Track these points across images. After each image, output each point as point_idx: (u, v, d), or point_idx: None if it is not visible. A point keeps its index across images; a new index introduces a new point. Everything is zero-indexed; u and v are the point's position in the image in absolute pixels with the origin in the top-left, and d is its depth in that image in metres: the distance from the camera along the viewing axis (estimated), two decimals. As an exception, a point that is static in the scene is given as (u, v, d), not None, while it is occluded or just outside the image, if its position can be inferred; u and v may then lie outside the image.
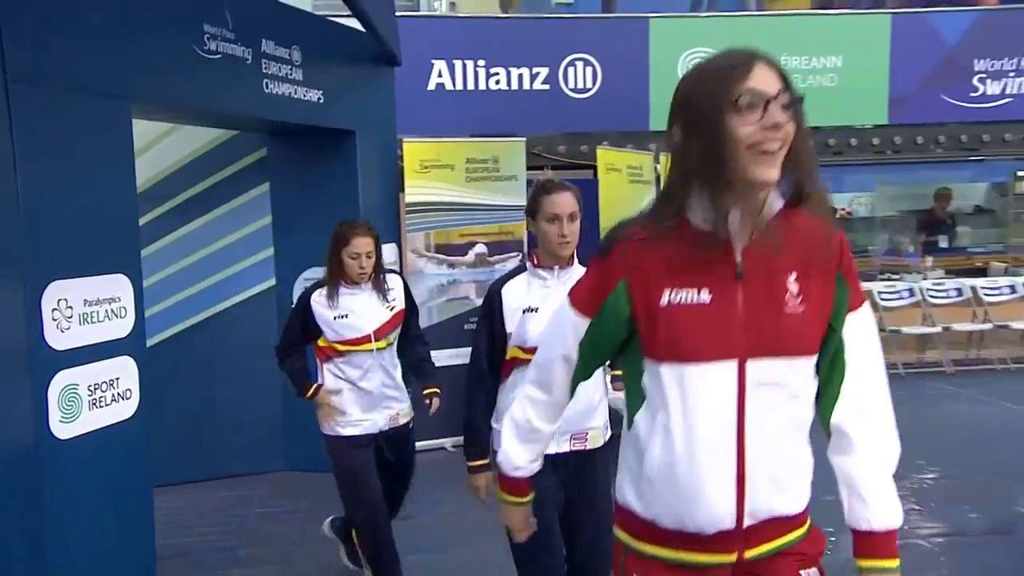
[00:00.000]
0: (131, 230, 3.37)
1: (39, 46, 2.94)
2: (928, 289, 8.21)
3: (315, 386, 3.47)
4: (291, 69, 4.42)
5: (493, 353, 2.59)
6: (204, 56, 3.78)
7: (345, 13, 5.05)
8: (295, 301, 3.54)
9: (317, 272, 5.23)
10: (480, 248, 5.68)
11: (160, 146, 5.03)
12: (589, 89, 7.60)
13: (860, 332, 1.49)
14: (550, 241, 2.55)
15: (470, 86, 7.32)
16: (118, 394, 3.25)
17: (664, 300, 1.44)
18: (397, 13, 5.73)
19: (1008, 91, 8.03)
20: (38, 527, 2.90)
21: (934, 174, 9.06)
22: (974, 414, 6.30)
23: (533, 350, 2.53)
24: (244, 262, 5.24)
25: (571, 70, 7.56)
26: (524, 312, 2.56)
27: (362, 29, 4.94)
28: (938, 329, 7.95)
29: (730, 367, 1.41)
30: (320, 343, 3.45)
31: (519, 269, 2.67)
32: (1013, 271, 8.88)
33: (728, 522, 1.44)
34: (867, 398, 1.51)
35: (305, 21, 4.67)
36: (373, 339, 3.38)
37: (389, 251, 5.44)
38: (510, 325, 2.57)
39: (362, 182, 5.10)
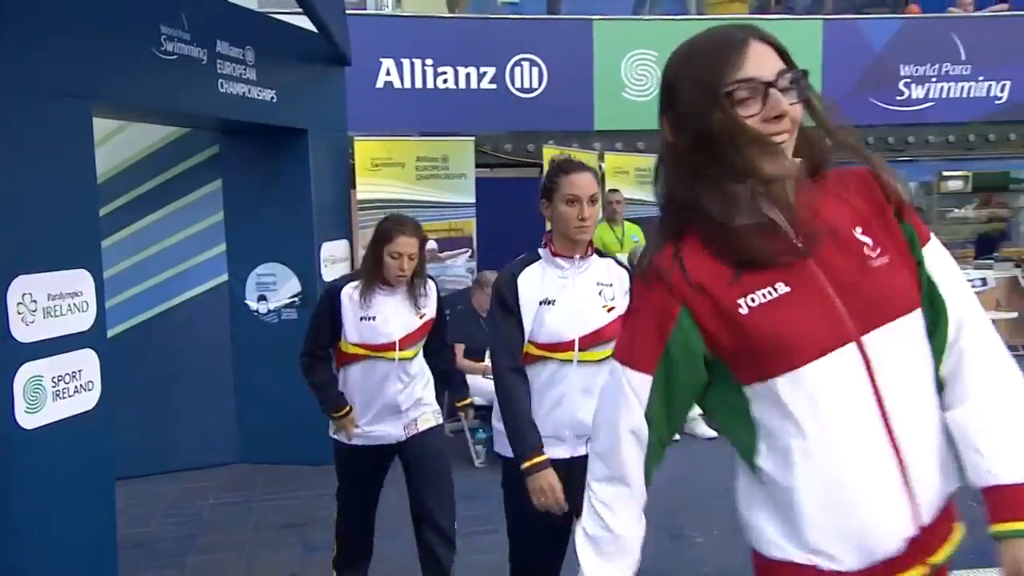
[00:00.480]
0: (92, 226, 3.51)
1: (1, 49, 3.07)
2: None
3: (348, 408, 3.21)
4: (245, 69, 4.57)
5: (516, 343, 2.46)
6: (161, 57, 3.92)
7: (291, 10, 5.21)
8: (319, 298, 3.26)
9: (272, 268, 5.43)
10: (431, 244, 5.89)
11: (113, 142, 5.13)
12: (535, 89, 7.86)
13: (943, 266, 1.30)
14: (568, 225, 2.43)
15: (418, 84, 7.51)
16: (81, 386, 3.39)
17: (743, 309, 1.21)
18: (347, 11, 5.90)
19: (931, 95, 8.54)
20: (5, 514, 3.03)
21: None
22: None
23: (547, 347, 2.46)
24: (197, 258, 5.36)
25: (517, 70, 7.81)
26: (540, 304, 2.45)
27: (314, 30, 5.11)
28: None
29: (850, 351, 1.20)
30: (342, 347, 3.19)
31: (531, 257, 2.52)
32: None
33: (909, 526, 1.23)
34: (976, 337, 1.28)
35: (259, 22, 4.83)
36: (398, 347, 3.14)
37: (341, 247, 5.63)
38: (526, 318, 2.45)
39: (314, 179, 5.27)
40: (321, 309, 3.17)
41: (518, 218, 5.17)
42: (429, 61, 7.55)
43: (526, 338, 2.45)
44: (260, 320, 5.40)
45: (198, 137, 5.27)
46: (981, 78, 8.53)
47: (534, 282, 2.47)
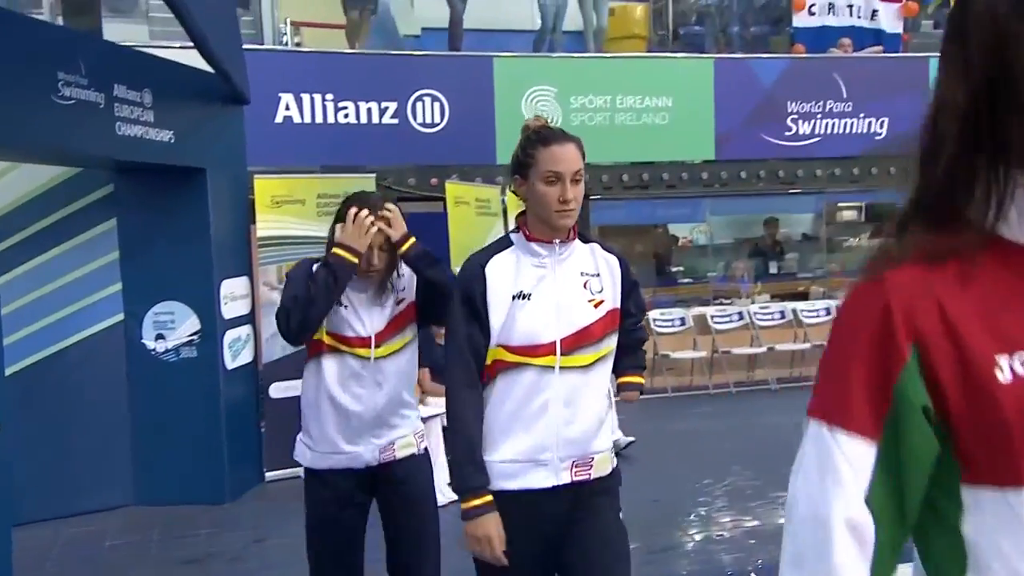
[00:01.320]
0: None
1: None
2: (756, 312, 9.41)
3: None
4: (142, 111, 4.85)
5: (474, 347, 2.18)
6: (59, 102, 4.18)
7: (184, 43, 5.49)
8: (294, 267, 2.84)
9: (170, 306, 5.67)
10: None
11: (5, 180, 5.30)
12: (437, 124, 8.31)
13: None
14: (547, 208, 2.15)
15: (319, 119, 7.86)
16: (-22, 427, 3.59)
17: (1003, 373, 0.83)
18: (244, 46, 6.23)
19: (817, 131, 9.38)
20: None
21: (762, 205, 10.34)
22: (791, 425, 7.38)
23: (522, 351, 2.15)
24: (92, 297, 5.55)
25: (419, 105, 8.24)
26: (513, 299, 2.18)
27: (211, 70, 5.42)
28: (763, 349, 9.13)
29: None
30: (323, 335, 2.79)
31: (502, 242, 2.26)
32: (830, 294, 10.28)
33: None
34: None
35: (156, 65, 5.11)
36: (373, 344, 2.78)
37: (241, 284, 5.90)
38: (495, 315, 2.17)
39: (213, 217, 5.55)
40: (295, 274, 2.77)
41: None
42: (329, 96, 7.91)
43: (495, 340, 2.17)
44: (158, 359, 5.60)
45: (91, 176, 5.48)
46: (862, 115, 9.42)
47: (506, 273, 2.19)
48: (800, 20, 9.95)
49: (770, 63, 9.41)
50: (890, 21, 10.07)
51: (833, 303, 9.75)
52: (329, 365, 2.77)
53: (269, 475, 6.00)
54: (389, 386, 2.80)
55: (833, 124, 9.39)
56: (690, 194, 9.15)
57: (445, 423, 4.35)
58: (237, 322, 5.80)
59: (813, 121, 9.36)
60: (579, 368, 2.20)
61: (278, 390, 6.04)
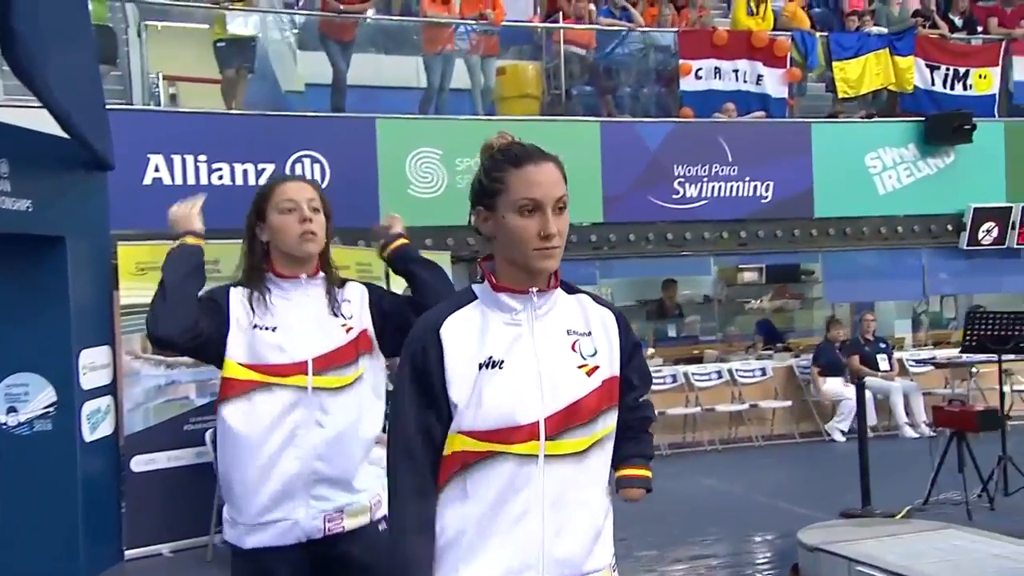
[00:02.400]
0: None
1: None
2: (647, 376, 10.02)
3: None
4: (-1, 180, 5.15)
5: (429, 439, 1.83)
6: (-91, 172, 4.46)
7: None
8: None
9: (24, 377, 5.87)
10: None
11: None
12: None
13: None
14: (523, 246, 1.81)
15: (190, 181, 8.18)
16: None
17: None
18: (109, 106, 6.56)
19: (704, 194, 10.18)
20: None
21: (653, 267, 11.05)
22: (680, 491, 7.92)
23: (494, 436, 1.79)
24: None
25: (299, 166, 8.66)
26: (480, 368, 1.82)
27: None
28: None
29: None
30: (224, 370, 2.51)
31: (462, 296, 1.91)
32: (723, 357, 11.01)
33: None
34: None
35: (14, 134, 5.40)
36: (310, 370, 2.49)
37: (102, 354, 6.15)
38: (456, 391, 1.81)
39: (73, 285, 5.80)
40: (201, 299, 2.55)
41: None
42: (203, 157, 8.27)
43: (457, 425, 1.82)
44: (9, 433, 5.78)
45: (-57, 242, 5.69)
46: (747, 178, 10.28)
47: (468, 335, 1.84)
48: (687, 84, 10.81)
49: (655, 127, 10.21)
50: (775, 86, 11.03)
51: (726, 366, 10.47)
52: (249, 405, 2.45)
53: (129, 553, 6.18)
54: (334, 429, 2.46)
55: (719, 187, 10.20)
56: (579, 256, 9.77)
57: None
58: (96, 393, 6.02)
59: (700, 184, 10.15)
60: (570, 456, 1.84)
61: (140, 463, 6.25)
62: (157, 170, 8.09)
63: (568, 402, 1.86)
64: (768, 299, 13.73)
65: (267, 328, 2.51)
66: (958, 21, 11.91)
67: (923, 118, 10.75)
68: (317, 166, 8.73)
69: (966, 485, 6.11)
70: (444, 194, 9.21)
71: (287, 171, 8.57)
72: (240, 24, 9.35)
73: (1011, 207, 10.80)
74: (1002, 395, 6.70)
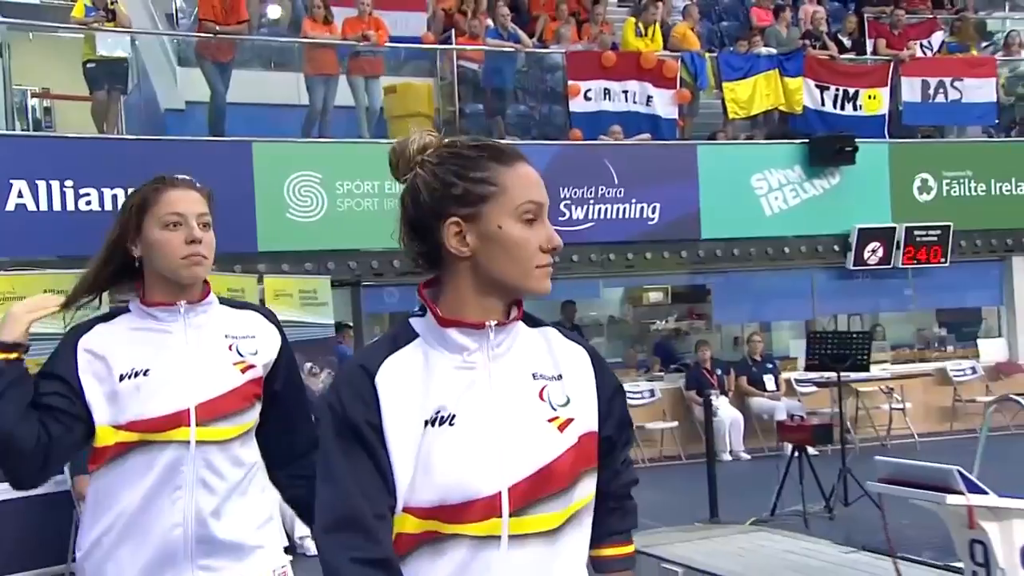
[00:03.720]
0: None
1: None
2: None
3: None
4: None
5: (378, 510, 1.56)
6: None
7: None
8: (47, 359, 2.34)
9: None
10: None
11: None
12: (191, 210, 9.37)
13: None
14: (525, 262, 1.61)
15: (56, 207, 8.74)
16: None
17: None
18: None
19: (590, 216, 11.04)
20: None
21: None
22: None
23: (444, 513, 1.56)
24: None
25: (171, 191, 9.28)
26: (426, 425, 1.59)
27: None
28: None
29: None
30: (96, 440, 2.28)
31: (400, 334, 1.67)
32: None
33: None
34: None
35: None
36: (193, 419, 2.27)
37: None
38: (399, 455, 1.58)
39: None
40: (49, 360, 2.31)
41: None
42: (69, 182, 8.84)
43: (399, 500, 1.58)
44: None
45: None
46: (634, 200, 11.18)
47: (410, 382, 1.61)
48: (576, 105, 11.69)
49: (542, 149, 11.04)
50: (665, 107, 11.99)
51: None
52: (122, 471, 2.26)
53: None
54: (223, 489, 2.29)
55: (606, 209, 11.07)
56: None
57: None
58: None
59: (586, 206, 11.01)
60: (540, 536, 1.61)
61: (-4, 494, 6.78)
62: (20, 196, 8.63)
63: (537, 466, 1.60)
64: (674, 320, 14.72)
65: (135, 374, 2.26)
66: (847, 42, 13.05)
67: (807, 140, 11.79)
68: (190, 190, 9.35)
69: (804, 496, 6.99)
70: (324, 218, 9.90)
71: (158, 196, 9.19)
72: (111, 45, 9.93)
73: (895, 227, 11.87)
74: (842, 411, 7.61)
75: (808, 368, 7.75)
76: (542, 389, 1.67)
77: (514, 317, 1.68)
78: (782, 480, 7.15)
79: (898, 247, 11.86)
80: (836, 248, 11.86)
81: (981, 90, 13.02)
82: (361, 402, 1.59)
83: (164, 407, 2.27)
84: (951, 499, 4.04)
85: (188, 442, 2.28)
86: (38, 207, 8.67)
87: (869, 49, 13.17)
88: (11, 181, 8.55)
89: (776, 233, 11.67)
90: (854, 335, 7.20)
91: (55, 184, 8.75)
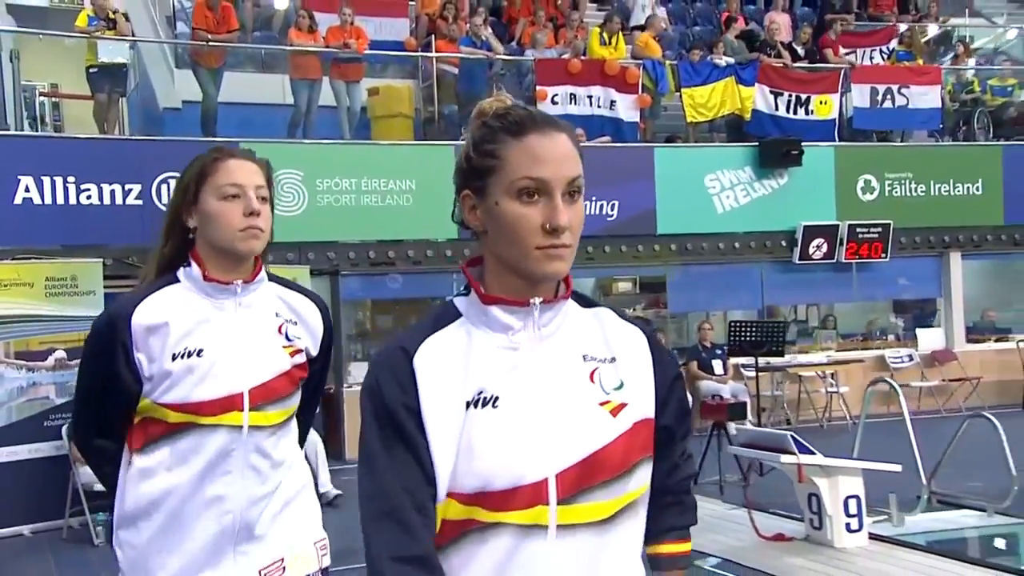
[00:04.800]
0: None
1: None
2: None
3: None
4: None
5: (418, 503, 1.48)
6: None
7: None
8: (89, 335, 2.34)
9: None
10: (60, 354, 7.85)
11: None
12: (182, 204, 10.12)
13: None
14: (521, 242, 1.50)
15: (60, 201, 9.48)
16: None
17: None
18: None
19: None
20: None
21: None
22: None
23: (488, 500, 1.47)
24: None
25: (164, 187, 10.02)
26: (468, 407, 1.50)
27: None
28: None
29: None
30: (138, 411, 2.28)
31: (443, 314, 1.59)
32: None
33: None
34: None
35: None
36: (246, 404, 2.25)
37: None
38: (439, 439, 1.49)
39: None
40: (86, 363, 2.31)
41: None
42: (72, 178, 9.58)
43: (442, 486, 1.50)
44: None
45: None
46: (594, 198, 11.89)
47: (451, 363, 1.53)
48: (543, 109, 12.41)
49: (508, 150, 11.78)
50: (627, 111, 12.70)
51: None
52: (171, 453, 2.23)
53: (-7, 537, 7.47)
54: (271, 473, 2.27)
55: (569, 206, 11.80)
56: (435, 270, 11.29)
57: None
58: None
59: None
60: (590, 527, 1.53)
61: (3, 455, 7.55)
62: (27, 191, 9.37)
63: (587, 452, 1.52)
64: (641, 308, 15.44)
65: (189, 353, 2.22)
66: (800, 51, 13.73)
67: (757, 143, 12.50)
68: (182, 186, 10.11)
69: (721, 467, 7.75)
70: (304, 212, 10.64)
71: (152, 193, 9.94)
72: (112, 51, 10.65)
73: (839, 225, 12.60)
74: (758, 393, 8.32)
75: (731, 354, 8.47)
76: (593, 371, 1.58)
77: (562, 296, 1.57)
78: (703, 453, 7.89)
79: (841, 243, 12.57)
80: (783, 243, 12.58)
81: (926, 96, 13.71)
82: (398, 385, 1.51)
83: (218, 390, 2.22)
84: (784, 458, 4.80)
85: (240, 427, 2.23)
86: (43, 201, 9.42)
87: (829, 55, 13.80)
88: (19, 177, 9.30)
89: (727, 229, 12.39)
90: (771, 324, 7.92)
91: (59, 180, 9.50)
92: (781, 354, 8.02)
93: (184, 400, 2.22)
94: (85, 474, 6.88)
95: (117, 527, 2.31)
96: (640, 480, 1.58)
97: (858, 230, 12.59)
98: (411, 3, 13.81)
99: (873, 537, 5.66)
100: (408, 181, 11.08)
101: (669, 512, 1.71)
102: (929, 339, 13.26)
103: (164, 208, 9.95)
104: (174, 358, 2.22)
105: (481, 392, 1.52)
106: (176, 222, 2.30)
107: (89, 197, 9.66)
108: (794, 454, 4.82)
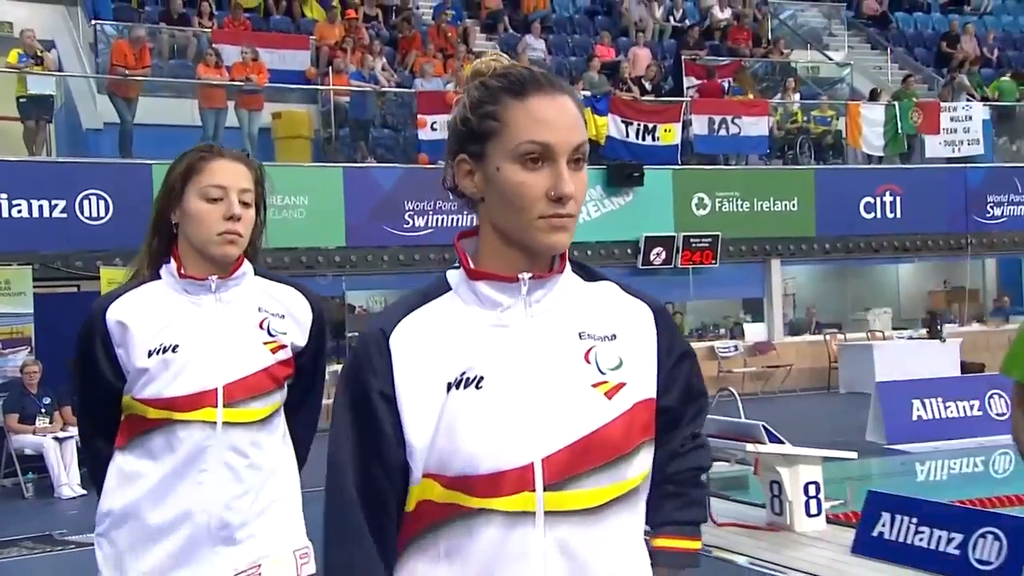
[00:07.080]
0: None
1: None
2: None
3: None
4: None
5: (378, 504, 1.42)
6: None
7: None
8: (78, 337, 2.31)
9: None
10: (-6, 345, 9.17)
11: None
12: (102, 217, 11.43)
13: None
14: (522, 212, 1.40)
15: (-6, 215, 10.82)
16: None
17: None
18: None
19: (430, 224, 13.33)
20: None
21: (390, 283, 14.08)
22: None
23: (472, 485, 1.39)
24: None
25: (86, 202, 11.35)
26: (449, 389, 1.41)
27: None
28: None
29: None
30: (123, 410, 2.28)
31: (431, 288, 1.49)
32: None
33: None
34: None
35: None
36: (220, 400, 2.21)
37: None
38: (415, 421, 1.41)
39: None
40: (79, 350, 2.30)
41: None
42: (4, 195, 10.89)
43: (419, 468, 1.41)
44: None
45: None
46: (465, 212, 13.39)
47: (432, 340, 1.43)
48: (424, 134, 13.96)
49: (390, 171, 13.35)
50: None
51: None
52: (145, 450, 2.22)
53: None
54: (248, 472, 2.23)
55: (443, 219, 13.37)
56: (325, 274, 12.78)
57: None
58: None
59: (427, 216, 13.31)
60: (580, 515, 1.41)
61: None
62: (-34, 206, 10.67)
63: (577, 435, 1.41)
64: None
65: (165, 349, 2.21)
66: (648, 86, 15.54)
67: (605, 166, 14.24)
68: (102, 202, 11.44)
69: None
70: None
71: (76, 207, 11.27)
72: (40, 84, 11.90)
73: (675, 235, 14.41)
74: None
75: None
76: (589, 350, 1.46)
77: (556, 269, 1.46)
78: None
79: (678, 251, 14.37)
80: (629, 251, 14.34)
81: (756, 126, 15.61)
82: (371, 369, 1.42)
83: (191, 385, 2.18)
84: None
85: (214, 423, 2.18)
86: (-19, 215, 10.72)
87: (686, 85, 15.65)
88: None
89: (581, 239, 14.06)
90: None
91: (-7, 196, 10.79)
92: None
93: (158, 395, 2.19)
94: (17, 440, 8.27)
95: (97, 525, 2.27)
96: (641, 466, 1.46)
97: (691, 240, 14.41)
98: (312, 38, 15.23)
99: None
100: (302, 197, 12.53)
101: (668, 503, 1.58)
102: (754, 332, 15.18)
103: (87, 221, 11.36)
104: (150, 354, 2.20)
105: (465, 372, 1.41)
106: (162, 217, 2.26)
107: (20, 211, 10.98)
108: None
